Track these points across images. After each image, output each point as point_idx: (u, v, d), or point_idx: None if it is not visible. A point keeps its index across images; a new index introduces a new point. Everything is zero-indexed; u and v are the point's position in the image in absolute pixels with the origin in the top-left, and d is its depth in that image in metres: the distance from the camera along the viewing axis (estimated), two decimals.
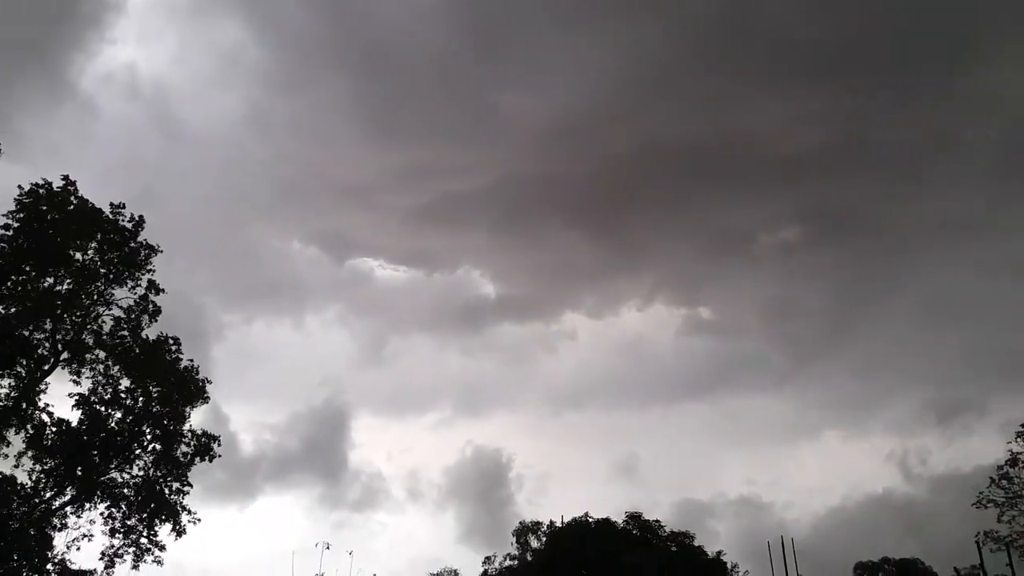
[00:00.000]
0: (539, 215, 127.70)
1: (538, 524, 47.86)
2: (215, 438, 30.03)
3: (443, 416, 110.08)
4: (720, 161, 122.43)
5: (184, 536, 28.57)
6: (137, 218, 28.52)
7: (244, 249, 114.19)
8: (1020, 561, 34.54)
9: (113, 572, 27.97)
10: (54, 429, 26.88)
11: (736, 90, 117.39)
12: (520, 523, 48.60)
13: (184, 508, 28.74)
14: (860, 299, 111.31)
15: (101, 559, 27.40)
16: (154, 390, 28.92)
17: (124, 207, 28.32)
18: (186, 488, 29.07)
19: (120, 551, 27.50)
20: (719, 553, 43.27)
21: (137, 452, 28.28)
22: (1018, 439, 34.57)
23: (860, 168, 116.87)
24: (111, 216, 27.93)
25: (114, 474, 27.87)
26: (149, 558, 27.77)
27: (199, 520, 28.80)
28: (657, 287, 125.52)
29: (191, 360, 29.48)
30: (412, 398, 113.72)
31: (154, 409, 28.78)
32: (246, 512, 79.51)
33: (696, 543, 43.54)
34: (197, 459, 29.34)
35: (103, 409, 27.61)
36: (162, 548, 27.95)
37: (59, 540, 28.09)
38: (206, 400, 30.02)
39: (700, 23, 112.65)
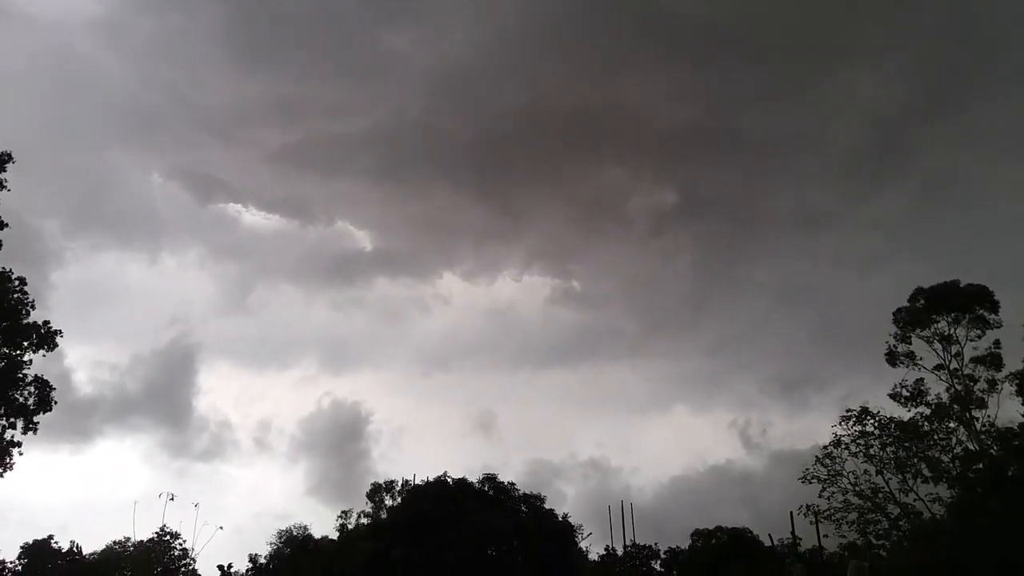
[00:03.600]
0: (420, 166, 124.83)
1: (392, 483, 48.26)
2: (51, 388, 28.44)
3: (306, 372, 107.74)
4: (603, 130, 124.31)
5: (10, 471, 27.30)
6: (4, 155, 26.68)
7: (95, 174, 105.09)
8: (834, 533, 37.93)
9: None
10: None
11: (623, 58, 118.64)
12: (373, 483, 48.86)
13: (14, 443, 27.44)
14: (718, 278, 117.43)
15: None
16: None
17: None
18: (28, 433, 27.68)
19: None
20: (566, 515, 45.07)
21: None
22: (842, 423, 37.86)
23: (731, 151, 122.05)
24: None
25: None
26: None
27: (22, 453, 27.51)
28: (532, 256, 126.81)
29: (30, 302, 27.76)
30: (272, 350, 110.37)
31: None
32: (81, 455, 75.07)
33: (547, 505, 45.15)
34: (38, 411, 27.95)
35: None
36: None
37: None
38: (52, 348, 28.43)
39: None
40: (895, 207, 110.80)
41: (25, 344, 27.28)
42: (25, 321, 27.37)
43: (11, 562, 41.21)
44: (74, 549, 43.58)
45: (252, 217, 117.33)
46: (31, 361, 27.48)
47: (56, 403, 28.44)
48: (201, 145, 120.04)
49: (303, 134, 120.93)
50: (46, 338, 27.74)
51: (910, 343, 41.05)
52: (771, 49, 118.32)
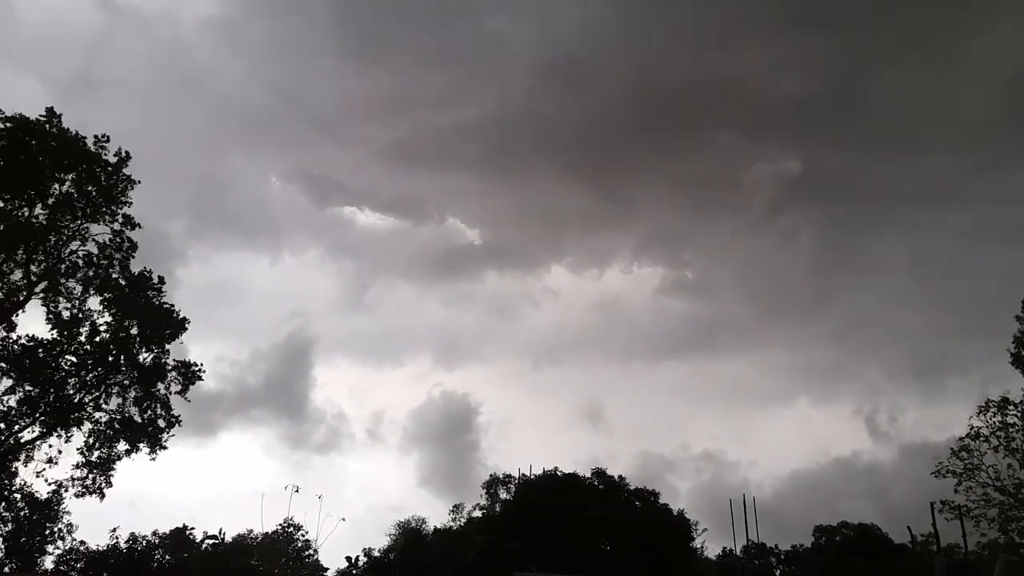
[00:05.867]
0: (526, 155, 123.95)
1: (509, 476, 48.68)
2: (193, 365, 29.99)
3: (419, 367, 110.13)
4: (715, 105, 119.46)
5: (163, 451, 29.01)
6: (124, 153, 28.32)
7: (214, 175, 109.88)
8: (974, 530, 35.65)
9: (64, 500, 28.67)
10: (25, 343, 26.97)
11: (731, 29, 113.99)
12: (491, 475, 49.41)
13: (165, 426, 29.07)
14: (841, 259, 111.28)
15: (55, 487, 28.07)
16: (133, 325, 29.01)
17: (108, 140, 28.00)
18: (171, 417, 29.27)
19: (74, 482, 28.08)
20: (681, 511, 44.24)
21: (114, 387, 28.50)
22: (979, 414, 35.45)
23: (852, 122, 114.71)
24: (93, 149, 27.64)
25: (90, 407, 28.18)
26: (102, 487, 28.21)
27: (173, 433, 29.19)
28: (642, 245, 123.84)
29: (167, 302, 29.57)
30: (386, 346, 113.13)
31: (134, 345, 28.91)
32: (205, 449, 79.07)
33: (660, 500, 44.49)
34: (186, 386, 29.52)
35: (80, 337, 27.80)
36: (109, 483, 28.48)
37: (27, 470, 28.55)
38: (183, 331, 30.01)
39: None
40: None
41: (167, 334, 28.96)
42: (160, 308, 28.97)
43: (154, 550, 43.99)
44: (218, 535, 45.90)
45: (367, 218, 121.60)
46: (168, 351, 29.26)
47: (201, 377, 30.01)
48: (314, 145, 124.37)
49: (411, 128, 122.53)
50: (178, 326, 29.38)
51: None
52: (896, 10, 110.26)
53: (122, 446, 28.27)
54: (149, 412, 28.70)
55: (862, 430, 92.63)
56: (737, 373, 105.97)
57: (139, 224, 28.71)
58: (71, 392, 27.77)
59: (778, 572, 48.54)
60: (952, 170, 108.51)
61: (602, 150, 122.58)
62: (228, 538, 47.03)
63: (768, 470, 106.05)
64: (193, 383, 29.48)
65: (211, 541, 45.73)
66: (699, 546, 47.27)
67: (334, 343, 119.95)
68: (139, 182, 28.95)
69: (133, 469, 29.68)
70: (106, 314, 28.39)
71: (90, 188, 27.78)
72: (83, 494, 28.31)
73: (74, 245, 27.82)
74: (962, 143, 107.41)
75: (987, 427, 35.09)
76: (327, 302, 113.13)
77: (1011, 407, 34.68)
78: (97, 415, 28.40)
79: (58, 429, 27.59)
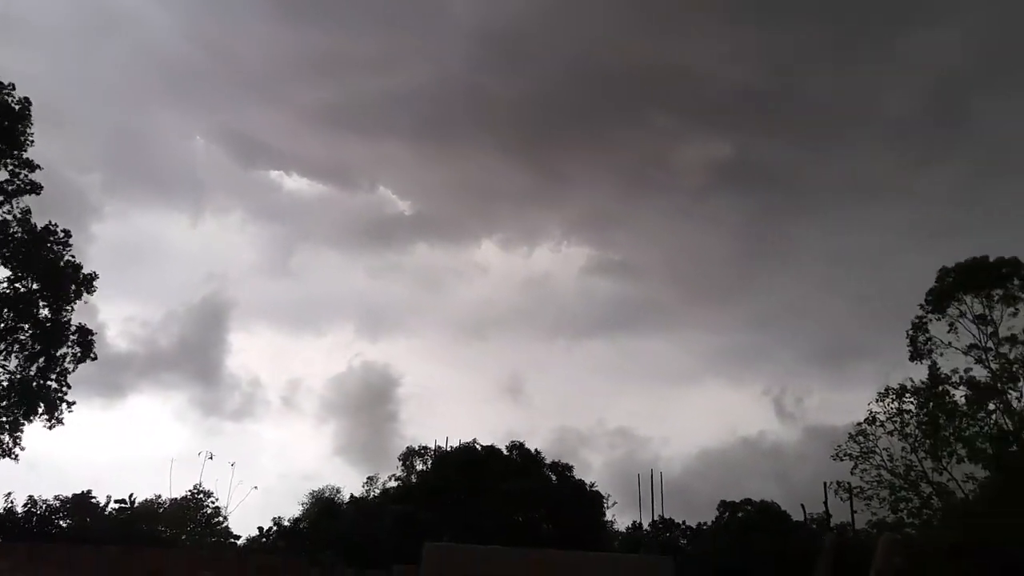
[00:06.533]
0: (463, 127, 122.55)
1: (425, 448, 48.85)
2: (92, 335, 29.08)
3: (341, 336, 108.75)
4: (656, 91, 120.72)
5: (60, 426, 28.14)
6: (22, 100, 27.08)
7: (135, 130, 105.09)
8: (864, 509, 37.88)
9: None
10: None
11: (681, 17, 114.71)
12: (407, 447, 49.49)
13: (62, 399, 28.19)
14: (765, 248, 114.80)
15: None
16: (34, 284, 27.76)
17: (14, 88, 26.86)
18: (64, 389, 28.35)
19: None
20: (593, 484, 45.41)
21: (13, 347, 27.32)
22: (878, 400, 37.46)
23: (786, 116, 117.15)
24: None
25: None
26: (15, 452, 27.17)
27: (72, 410, 28.27)
28: (573, 224, 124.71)
29: (72, 257, 28.33)
30: (308, 314, 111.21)
31: (35, 304, 27.67)
32: (113, 411, 76.39)
33: (574, 474, 45.49)
34: (77, 359, 28.54)
35: None
36: (21, 447, 27.43)
37: None
38: (91, 292, 28.99)
39: None
40: (952, 178, 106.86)
41: (71, 292, 27.78)
42: (62, 264, 27.73)
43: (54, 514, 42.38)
44: (127, 500, 44.66)
45: (294, 183, 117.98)
46: (73, 309, 28.07)
47: (95, 357, 29.06)
48: (242, 104, 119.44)
49: (344, 92, 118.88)
50: (85, 283, 28.19)
51: (929, 327, 39.80)
52: (833, 8, 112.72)
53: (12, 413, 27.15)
54: (47, 379, 27.61)
55: (770, 410, 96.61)
56: (657, 353, 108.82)
57: (39, 166, 27.43)
58: None
59: (683, 544, 50.42)
60: (878, 167, 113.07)
61: (540, 126, 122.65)
62: (136, 504, 45.89)
63: (679, 447, 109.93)
64: (89, 354, 28.44)
65: (118, 505, 44.48)
66: (610, 519, 48.64)
67: (253, 308, 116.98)
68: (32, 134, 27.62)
69: (33, 431, 28.58)
70: (5, 269, 27.05)
71: None
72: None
73: None
74: (889, 141, 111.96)
75: (884, 413, 37.18)
76: (248, 266, 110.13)
77: (907, 395, 36.81)
78: None
79: None
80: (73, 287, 28.24)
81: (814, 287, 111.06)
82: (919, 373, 38.82)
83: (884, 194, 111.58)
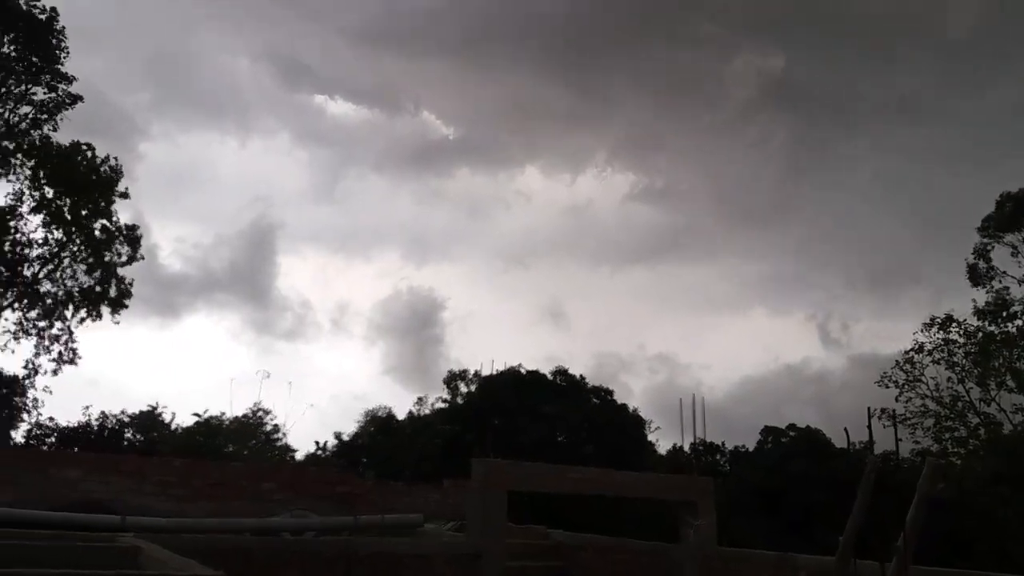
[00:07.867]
0: (506, 47, 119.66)
1: (466, 372, 50.09)
2: (136, 228, 29.95)
3: (387, 263, 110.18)
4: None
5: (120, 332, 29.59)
6: (49, 9, 27.35)
7: (178, 51, 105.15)
8: (908, 438, 37.78)
9: (35, 380, 29.14)
10: None
11: None
12: (450, 371, 50.80)
13: (127, 294, 29.31)
14: (811, 171, 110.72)
15: (24, 368, 28.37)
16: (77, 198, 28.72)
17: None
18: (124, 285, 29.43)
19: (39, 356, 28.41)
20: (635, 409, 46.14)
21: (65, 257, 28.49)
22: (924, 330, 36.96)
23: (836, 33, 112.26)
24: (24, 8, 26.69)
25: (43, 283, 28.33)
26: (67, 364, 28.64)
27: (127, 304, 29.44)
28: (615, 151, 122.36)
29: (115, 159, 29.08)
30: (354, 239, 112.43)
31: (79, 218, 28.66)
32: (169, 330, 79.03)
33: (615, 399, 46.28)
34: (128, 258, 29.56)
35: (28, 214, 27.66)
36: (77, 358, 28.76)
37: None
38: (125, 196, 29.77)
39: None
40: (1012, 102, 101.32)
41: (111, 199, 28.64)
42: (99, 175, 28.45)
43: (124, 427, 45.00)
44: (199, 415, 47.00)
45: (338, 107, 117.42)
46: (118, 216, 29.07)
47: (143, 257, 30.15)
48: (285, 24, 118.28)
49: (385, 7, 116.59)
50: (113, 190, 28.98)
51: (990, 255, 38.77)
52: None
53: (82, 313, 28.49)
54: (103, 283, 28.91)
55: (815, 337, 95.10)
56: (699, 279, 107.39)
57: (75, 77, 28.07)
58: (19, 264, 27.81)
59: (723, 467, 51.19)
60: (934, 87, 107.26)
61: (584, 43, 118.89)
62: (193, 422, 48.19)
63: (720, 374, 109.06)
64: (136, 255, 29.48)
65: (195, 419, 46.81)
66: (653, 440, 49.51)
67: (301, 232, 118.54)
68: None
69: (95, 348, 30.19)
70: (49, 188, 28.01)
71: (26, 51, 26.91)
72: (57, 368, 28.73)
73: (24, 110, 27.14)
74: (947, 61, 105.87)
75: (930, 342, 36.75)
76: (295, 190, 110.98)
77: (954, 324, 36.22)
78: (50, 287, 28.51)
79: (15, 304, 27.78)
80: (111, 197, 28.96)
81: (863, 211, 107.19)
82: (968, 302, 38.03)
83: (939, 115, 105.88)
